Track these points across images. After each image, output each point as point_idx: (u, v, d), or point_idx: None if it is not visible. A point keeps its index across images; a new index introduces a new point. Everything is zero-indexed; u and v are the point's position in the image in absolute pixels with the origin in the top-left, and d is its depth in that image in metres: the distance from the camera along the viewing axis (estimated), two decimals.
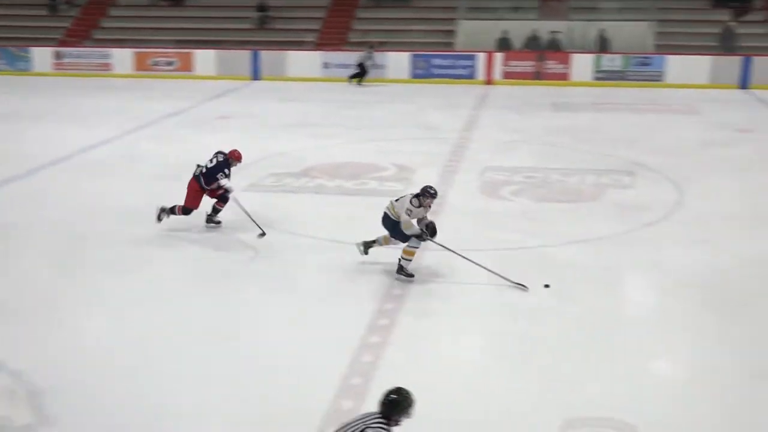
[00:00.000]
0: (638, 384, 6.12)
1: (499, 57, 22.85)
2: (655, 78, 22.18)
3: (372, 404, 5.77)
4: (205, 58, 23.66)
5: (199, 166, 9.50)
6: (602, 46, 23.20)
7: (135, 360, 6.51)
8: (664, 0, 23.75)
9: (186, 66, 23.76)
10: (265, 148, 14.14)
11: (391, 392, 4.37)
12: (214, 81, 22.76)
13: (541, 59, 22.79)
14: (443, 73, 22.99)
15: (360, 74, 22.16)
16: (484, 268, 7.99)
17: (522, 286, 7.81)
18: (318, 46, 24.33)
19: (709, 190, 11.55)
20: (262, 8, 25.42)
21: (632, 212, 10.44)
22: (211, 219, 9.70)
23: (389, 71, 22.63)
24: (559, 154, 13.96)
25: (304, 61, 23.42)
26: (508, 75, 22.65)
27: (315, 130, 16.18)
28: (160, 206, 9.56)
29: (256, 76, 23.41)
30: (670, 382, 6.34)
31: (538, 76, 22.69)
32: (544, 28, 23.69)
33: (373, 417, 4.33)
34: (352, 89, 21.74)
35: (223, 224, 9.77)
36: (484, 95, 20.89)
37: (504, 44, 23.40)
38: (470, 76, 22.81)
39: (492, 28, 23.80)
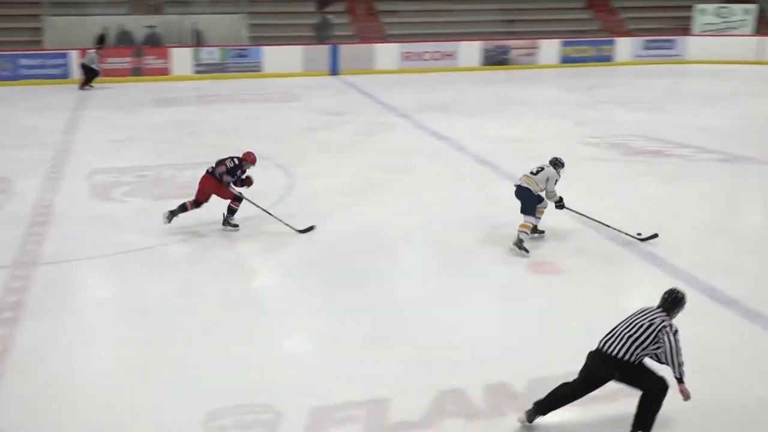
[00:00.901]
0: (274, 365, 6.32)
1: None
2: (254, 69, 22.96)
3: None
4: None
5: (213, 166, 9.27)
6: (198, 39, 23.37)
7: None
8: None
9: None
10: None
11: (672, 292, 5.20)
12: None
13: (139, 55, 22.30)
14: (33, 73, 21.42)
15: (89, 77, 20.31)
16: (613, 228, 8.93)
17: (654, 236, 8.81)
18: None
19: (315, 171, 12.26)
20: None
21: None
22: (228, 222, 9.38)
23: None
24: (168, 150, 13.79)
25: None
26: (105, 73, 21.75)
27: None
28: (166, 211, 9.21)
29: None
30: (300, 356, 6.63)
31: (137, 72, 22.17)
32: (138, 23, 23.17)
33: (657, 313, 5.12)
34: None
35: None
36: (84, 95, 19.86)
37: (103, 41, 22.41)
38: (64, 76, 21.50)
39: (83, 24, 22.69)
